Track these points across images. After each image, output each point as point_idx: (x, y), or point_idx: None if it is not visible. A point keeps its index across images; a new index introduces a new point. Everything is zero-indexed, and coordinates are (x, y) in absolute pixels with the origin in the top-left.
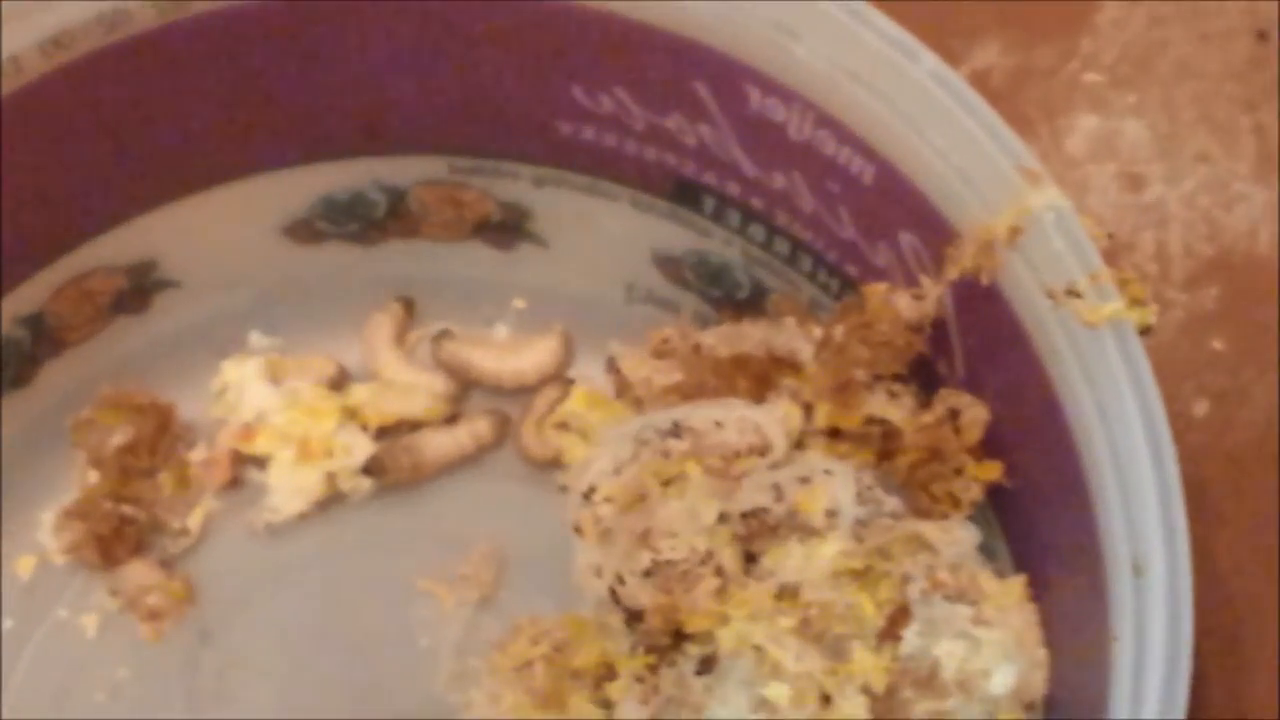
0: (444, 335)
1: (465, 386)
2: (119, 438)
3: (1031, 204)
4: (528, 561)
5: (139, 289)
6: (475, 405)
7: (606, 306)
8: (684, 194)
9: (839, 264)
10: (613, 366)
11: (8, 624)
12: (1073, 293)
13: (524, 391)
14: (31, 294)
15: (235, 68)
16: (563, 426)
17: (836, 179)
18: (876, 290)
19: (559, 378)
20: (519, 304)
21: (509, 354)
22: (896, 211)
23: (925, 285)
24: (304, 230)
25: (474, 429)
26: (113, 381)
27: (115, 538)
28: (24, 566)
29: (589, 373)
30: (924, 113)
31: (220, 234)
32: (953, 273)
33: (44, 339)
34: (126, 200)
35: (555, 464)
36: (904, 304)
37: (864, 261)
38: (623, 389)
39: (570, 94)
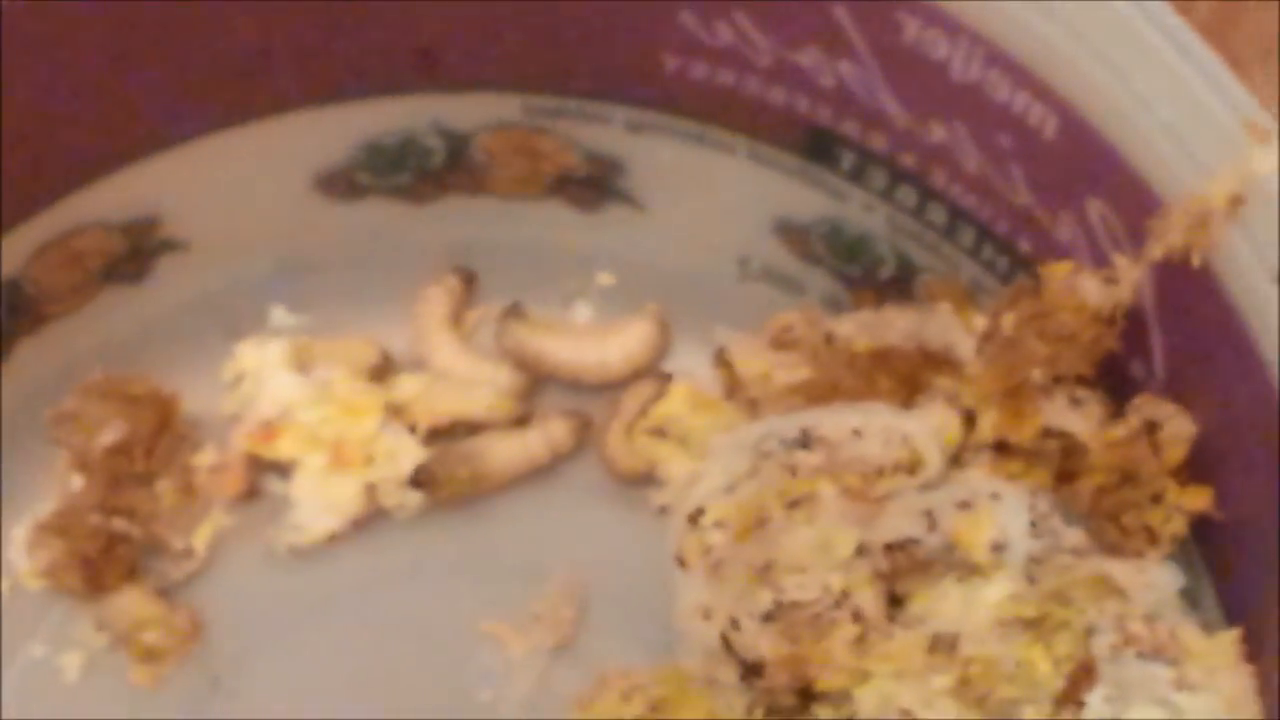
0: (511, 315)
1: (537, 380)
2: (109, 435)
3: (1257, 167)
4: (615, 599)
5: (137, 252)
6: (549, 403)
7: (715, 284)
8: (817, 147)
9: (1009, 237)
10: (721, 359)
11: None
12: None
13: (610, 388)
14: (7, 254)
15: None
16: (657, 432)
17: (1010, 131)
18: (1057, 271)
19: (653, 371)
20: (605, 279)
21: (592, 341)
22: (1084, 173)
23: (1119, 266)
24: (341, 183)
25: (548, 433)
26: (104, 365)
27: (103, 559)
28: None
29: (690, 366)
30: (1123, 51)
31: (238, 186)
32: (1155, 251)
33: (19, 311)
34: (124, 141)
35: (648, 478)
36: (1092, 289)
37: (1041, 235)
38: (733, 387)
39: (678, 19)
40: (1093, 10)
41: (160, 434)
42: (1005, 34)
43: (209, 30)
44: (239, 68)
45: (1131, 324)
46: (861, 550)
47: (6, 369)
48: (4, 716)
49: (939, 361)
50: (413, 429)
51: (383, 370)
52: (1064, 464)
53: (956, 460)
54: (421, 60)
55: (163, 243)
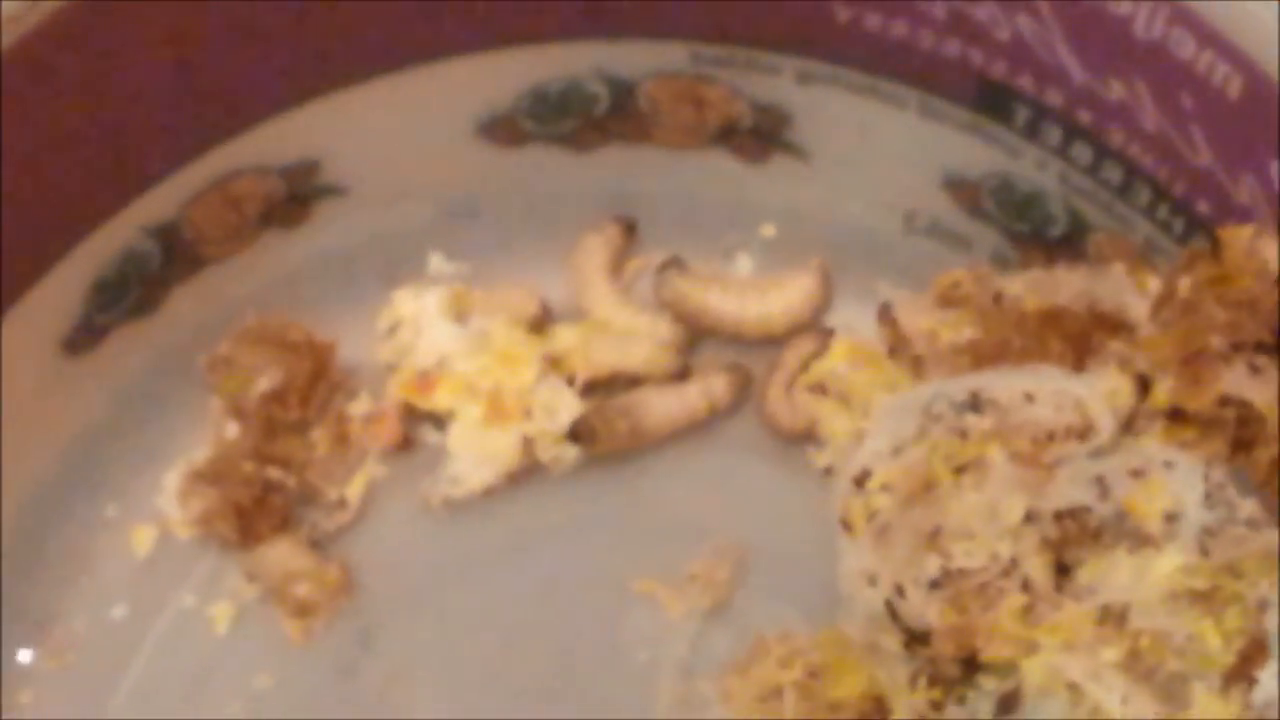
0: (671, 266)
1: (697, 333)
2: (265, 382)
3: None
4: (773, 560)
5: (296, 197)
6: (709, 358)
7: (879, 238)
8: (990, 101)
9: (1187, 198)
10: (886, 315)
11: (120, 611)
12: None
13: (770, 343)
14: (165, 199)
15: None
16: (819, 389)
17: (1192, 91)
18: (1238, 234)
19: (815, 326)
20: (768, 231)
21: (753, 294)
22: (1268, 135)
23: None
24: (504, 129)
25: (707, 388)
26: (259, 311)
27: (256, 509)
28: (142, 540)
29: (854, 322)
30: None
31: (399, 131)
32: None
33: (177, 255)
34: (287, 85)
35: (808, 436)
36: (1274, 253)
37: (1221, 196)
38: (898, 345)
39: None
40: None
41: (316, 382)
42: None
43: None
44: (404, 12)
45: None
46: (1031, 517)
47: (163, 314)
48: (153, 667)
49: (1111, 324)
50: (570, 381)
51: (541, 321)
52: (1240, 433)
53: (1129, 427)
54: (589, 6)
55: (322, 188)
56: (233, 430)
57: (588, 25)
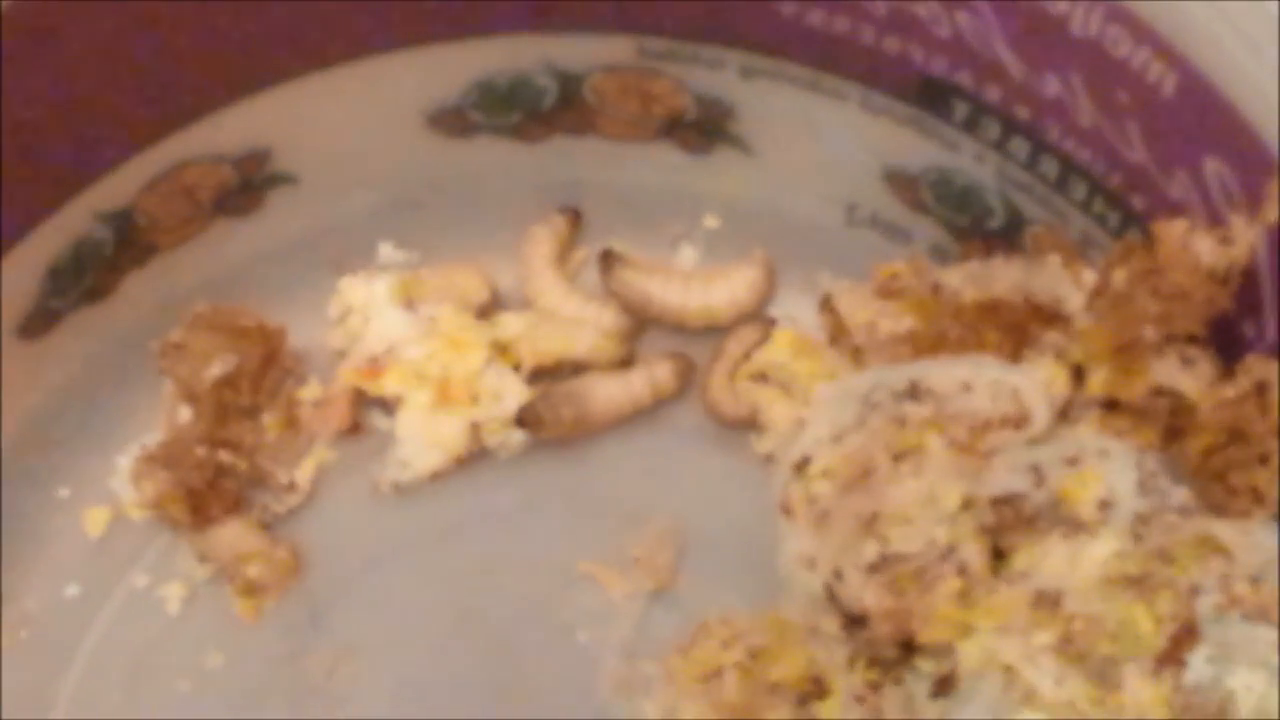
0: (606, 261)
1: (641, 322)
2: (216, 367)
3: None
4: (715, 544)
5: (248, 185)
6: (653, 346)
7: (821, 230)
8: (930, 96)
9: (1122, 193)
10: (827, 305)
11: (73, 590)
12: None
13: (714, 332)
14: (119, 186)
15: None
16: (761, 378)
17: (1127, 87)
18: (1171, 228)
19: (758, 316)
20: (711, 222)
21: (696, 284)
22: (1202, 132)
23: (1235, 226)
24: (453, 120)
25: (651, 376)
26: (211, 298)
27: (208, 491)
28: (95, 521)
29: (796, 312)
30: (1248, 9)
31: (350, 121)
32: (1272, 213)
33: (130, 242)
34: (239, 75)
35: (749, 423)
36: (1206, 247)
37: (1155, 191)
38: (838, 334)
39: None
40: None
41: (267, 367)
42: None
43: None
44: (354, 5)
45: (1244, 285)
46: (967, 504)
47: (116, 300)
48: (105, 645)
49: (1047, 315)
50: (517, 368)
51: (489, 308)
52: (1172, 422)
53: (1064, 416)
54: (537, 3)
55: (274, 176)
56: (185, 414)
57: (535, 19)
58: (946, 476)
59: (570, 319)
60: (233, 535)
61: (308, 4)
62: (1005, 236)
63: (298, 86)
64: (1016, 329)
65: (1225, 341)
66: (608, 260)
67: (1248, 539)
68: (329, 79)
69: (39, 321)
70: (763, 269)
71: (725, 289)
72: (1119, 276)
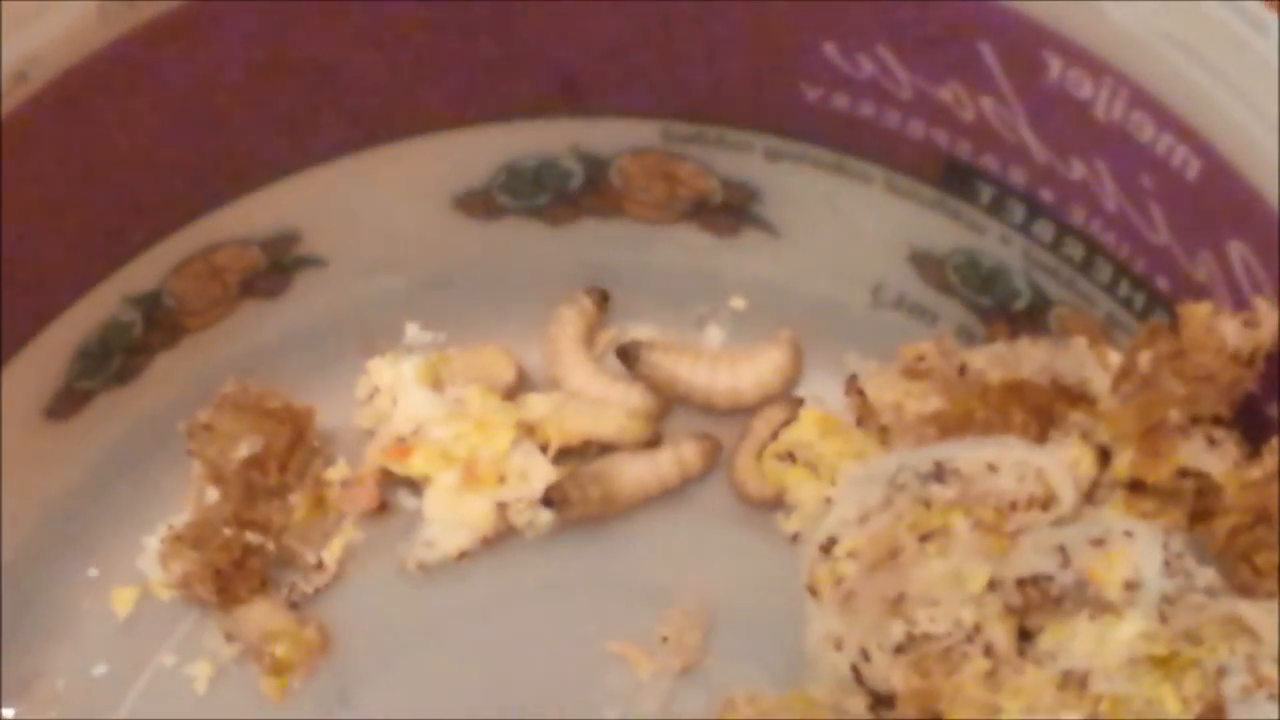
0: (632, 350)
1: (668, 403)
2: (244, 448)
3: None
4: (742, 624)
5: (277, 267)
6: (680, 426)
7: (848, 312)
8: (955, 179)
9: (1147, 275)
10: (853, 386)
11: (101, 669)
12: None
13: (740, 412)
14: (148, 269)
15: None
16: (788, 458)
17: (1151, 171)
18: (1196, 311)
19: (784, 397)
20: (738, 304)
21: (724, 365)
22: (1226, 214)
23: (1260, 308)
24: (480, 203)
25: (678, 456)
26: (239, 379)
27: (235, 571)
28: (122, 601)
29: (822, 393)
30: (1269, 96)
31: (378, 204)
32: None
33: (159, 324)
34: (268, 160)
35: (776, 503)
36: (1231, 330)
37: (1180, 274)
38: (865, 415)
39: (821, 51)
40: (1239, 55)
41: (294, 448)
42: (1150, 76)
43: (353, 49)
44: (384, 89)
45: (1270, 367)
46: (994, 585)
47: (144, 381)
48: None
49: (1073, 396)
50: (544, 448)
51: (515, 389)
52: (1198, 503)
53: (1090, 497)
54: (564, 87)
55: (301, 259)
56: (212, 495)
57: (563, 103)
58: (972, 557)
59: (597, 399)
60: (260, 615)
61: (337, 90)
62: (1031, 318)
63: (326, 171)
64: (1042, 410)
65: (1251, 423)
66: (628, 353)
67: (1274, 619)
68: (357, 162)
69: (67, 403)
70: (789, 350)
71: (752, 370)
72: (1144, 358)
